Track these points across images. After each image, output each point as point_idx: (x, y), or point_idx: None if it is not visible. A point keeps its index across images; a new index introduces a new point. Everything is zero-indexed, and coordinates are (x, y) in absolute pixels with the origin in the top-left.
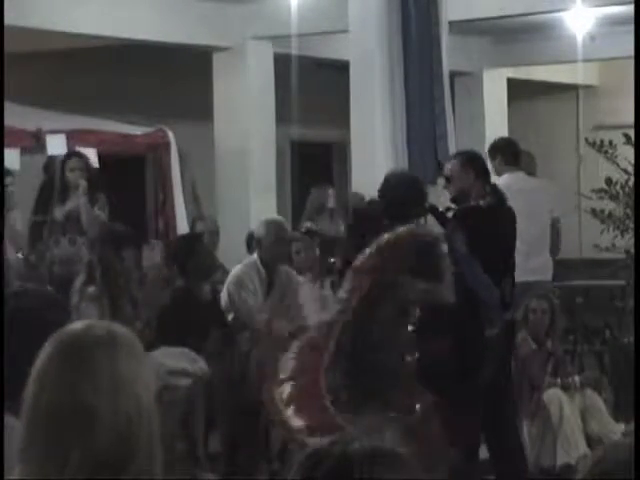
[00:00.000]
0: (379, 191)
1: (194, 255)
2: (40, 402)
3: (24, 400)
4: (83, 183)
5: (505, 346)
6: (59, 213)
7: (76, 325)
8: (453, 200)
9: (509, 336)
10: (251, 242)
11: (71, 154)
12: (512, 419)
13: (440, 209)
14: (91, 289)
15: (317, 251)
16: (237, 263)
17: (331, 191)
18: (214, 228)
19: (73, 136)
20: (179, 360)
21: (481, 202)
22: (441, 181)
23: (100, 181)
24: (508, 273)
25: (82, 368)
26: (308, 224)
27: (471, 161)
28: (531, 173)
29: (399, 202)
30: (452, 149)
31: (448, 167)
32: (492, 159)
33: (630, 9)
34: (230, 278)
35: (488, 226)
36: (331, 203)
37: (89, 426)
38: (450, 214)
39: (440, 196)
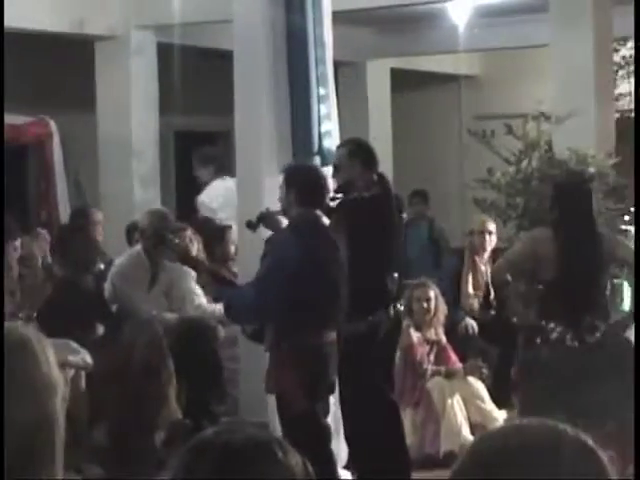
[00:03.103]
0: None
1: (75, 246)
2: None
3: None
4: None
5: (392, 338)
6: None
7: None
8: (339, 190)
9: (396, 328)
10: (131, 233)
11: None
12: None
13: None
14: None
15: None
16: (121, 254)
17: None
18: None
19: None
20: (61, 352)
21: (365, 193)
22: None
23: None
24: (393, 266)
25: None
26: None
27: (358, 150)
28: None
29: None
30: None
31: (335, 156)
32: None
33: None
34: (114, 269)
35: (372, 218)
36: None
37: None
38: (334, 205)
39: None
